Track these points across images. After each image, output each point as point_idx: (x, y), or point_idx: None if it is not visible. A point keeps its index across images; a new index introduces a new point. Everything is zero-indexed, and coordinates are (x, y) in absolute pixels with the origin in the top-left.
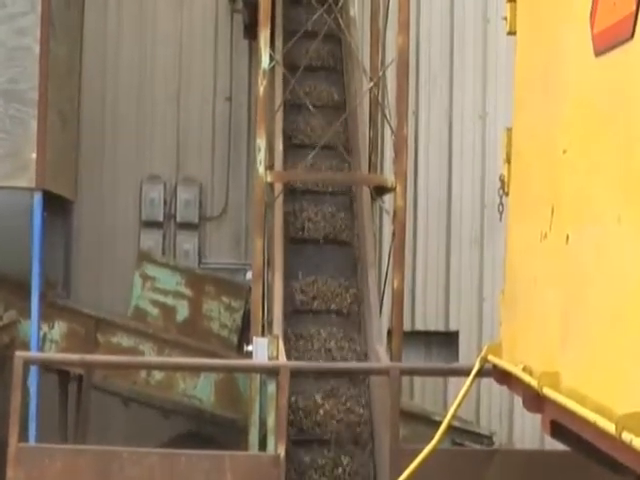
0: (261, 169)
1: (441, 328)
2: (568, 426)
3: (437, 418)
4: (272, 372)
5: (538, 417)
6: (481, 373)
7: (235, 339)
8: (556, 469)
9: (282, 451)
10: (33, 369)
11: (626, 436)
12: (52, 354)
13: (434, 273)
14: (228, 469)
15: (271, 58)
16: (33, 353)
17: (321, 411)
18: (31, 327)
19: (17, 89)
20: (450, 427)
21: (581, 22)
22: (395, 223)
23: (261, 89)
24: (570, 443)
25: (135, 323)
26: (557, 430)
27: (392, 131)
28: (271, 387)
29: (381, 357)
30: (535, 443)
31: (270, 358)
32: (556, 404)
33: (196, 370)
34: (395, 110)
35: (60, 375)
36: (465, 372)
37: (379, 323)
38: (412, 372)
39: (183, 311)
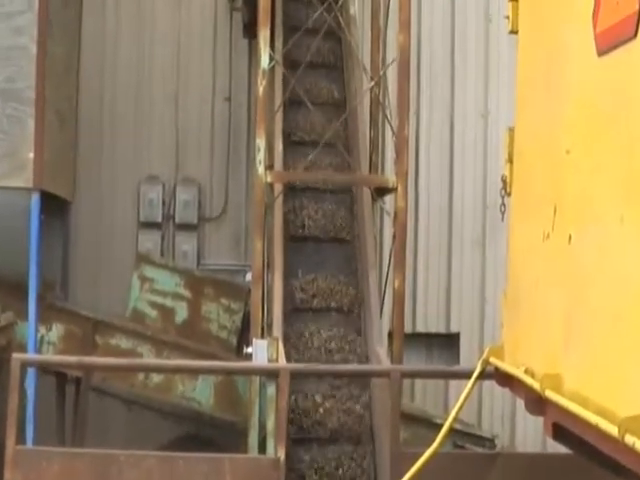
0: (261, 169)
1: (442, 330)
2: (570, 429)
3: (438, 421)
4: (272, 374)
5: (540, 420)
6: (483, 375)
7: (234, 341)
8: (558, 472)
9: (282, 454)
10: (30, 371)
11: (629, 439)
12: (49, 356)
13: (435, 274)
14: (227, 472)
15: (271, 58)
16: (30, 355)
17: (321, 410)
18: (28, 329)
19: (14, 88)
20: (451, 430)
21: (583, 21)
22: (396, 224)
23: (261, 89)
24: (572, 446)
25: (133, 325)
26: (559, 433)
27: (393, 131)
28: (271, 389)
29: (382, 359)
30: (537, 446)
31: (270, 360)
32: (558, 407)
33: (195, 372)
34: (396, 110)
35: (58, 377)
36: (467, 374)
37: (380, 324)
38: (413, 375)
39: (182, 313)
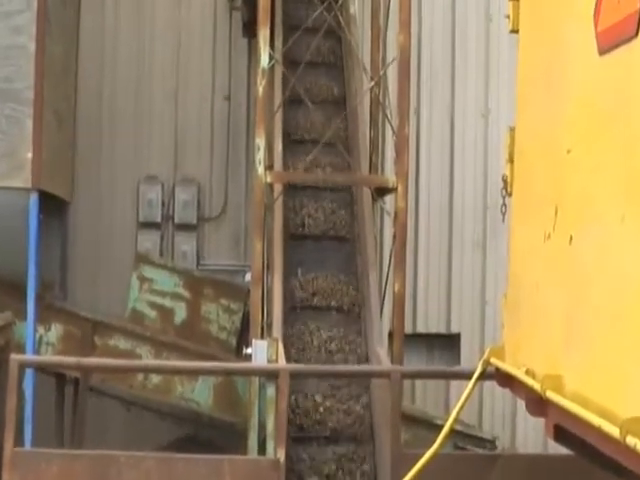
0: (260, 169)
1: (443, 330)
2: (571, 430)
3: (439, 422)
4: (271, 375)
5: (541, 421)
6: (484, 376)
7: (234, 342)
8: (559, 474)
9: (282, 455)
10: (29, 372)
11: (630, 440)
12: (48, 357)
13: (436, 274)
14: (227, 473)
15: (270, 57)
16: (29, 356)
17: (321, 409)
18: (27, 329)
19: (12, 88)
20: (452, 431)
21: (585, 20)
22: (396, 224)
23: (260, 88)
24: (574, 447)
25: (132, 325)
26: (560, 434)
27: (393, 131)
28: (270, 390)
29: (382, 360)
30: (538, 447)
31: (269, 361)
32: (559, 408)
33: (194, 373)
34: (396, 109)
35: (56, 378)
36: (467, 375)
37: (380, 325)
38: (414, 375)
39: (181, 313)
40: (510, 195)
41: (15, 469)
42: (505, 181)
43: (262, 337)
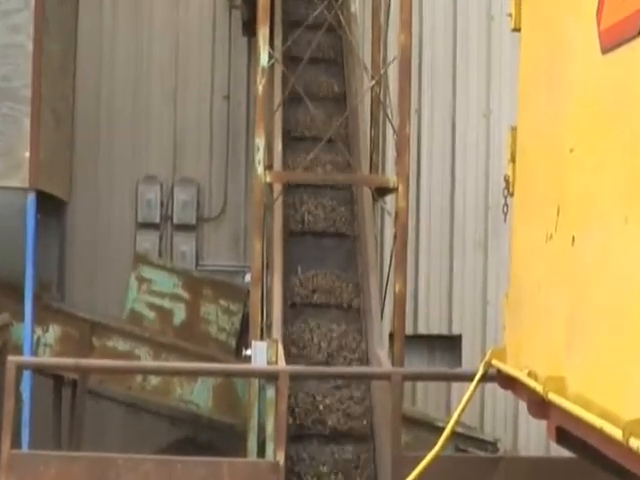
0: (260, 169)
1: (444, 332)
2: (574, 432)
3: (440, 424)
4: (271, 377)
5: (543, 423)
6: (485, 378)
7: (233, 343)
8: (562, 476)
9: (281, 458)
10: (26, 374)
11: (633, 442)
12: (46, 358)
13: (437, 275)
14: (226, 476)
15: (270, 56)
16: (26, 357)
17: (321, 406)
18: (24, 330)
19: (10, 87)
20: (453, 433)
21: (587, 18)
22: (397, 224)
23: (260, 87)
24: (576, 450)
25: (131, 327)
26: (563, 436)
27: (394, 130)
28: (270, 392)
29: (382, 361)
30: (540, 449)
31: (269, 362)
32: (562, 410)
33: (193, 375)
34: (397, 109)
35: (54, 380)
36: (469, 377)
37: (380, 326)
38: (415, 377)
39: (180, 314)
40: (512, 195)
41: (12, 472)
42: (507, 181)
43: (262, 338)
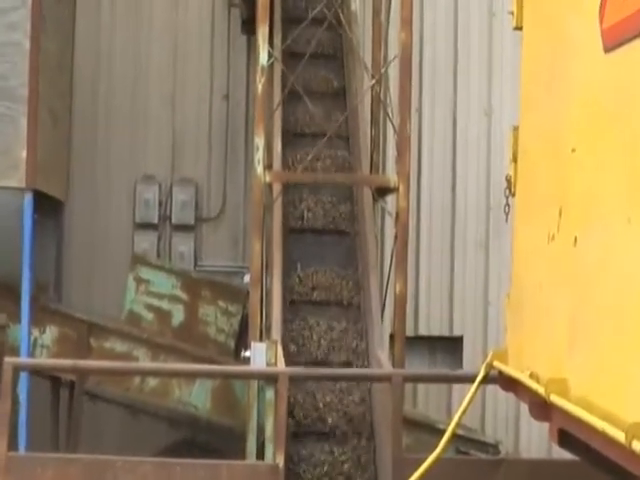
0: (259, 169)
1: (445, 333)
2: (576, 434)
3: (441, 426)
4: (270, 378)
5: (545, 425)
6: (486, 380)
7: (232, 344)
8: (564, 479)
9: (281, 460)
10: (23, 375)
11: (636, 445)
12: (43, 360)
13: (438, 276)
14: (225, 478)
15: (269, 54)
16: (23, 359)
17: (320, 405)
18: (21, 331)
19: (7, 86)
20: (454, 435)
21: (590, 17)
22: (398, 224)
23: (259, 86)
24: (578, 452)
25: (129, 328)
26: (565, 439)
27: (394, 129)
28: (269, 393)
29: (383, 363)
30: (542, 452)
31: (268, 364)
32: (564, 412)
33: (192, 376)
34: (397, 108)
35: (51, 381)
36: (470, 379)
37: (380, 328)
38: (415, 379)
39: (179, 315)
40: (513, 195)
41: (9, 474)
42: (509, 181)
43: (261, 339)
